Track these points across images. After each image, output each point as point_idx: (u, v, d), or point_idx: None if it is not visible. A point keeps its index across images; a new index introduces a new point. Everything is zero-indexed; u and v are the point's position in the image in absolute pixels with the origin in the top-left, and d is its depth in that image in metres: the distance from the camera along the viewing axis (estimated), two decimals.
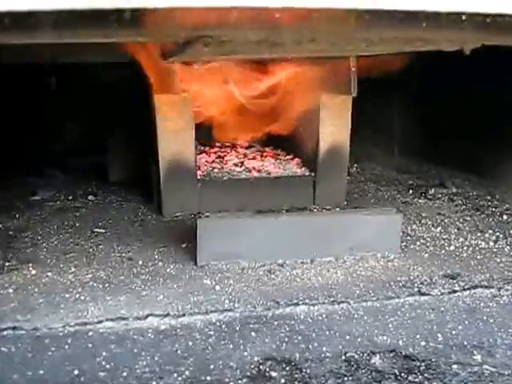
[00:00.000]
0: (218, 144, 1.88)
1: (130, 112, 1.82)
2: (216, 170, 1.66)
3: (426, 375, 0.85)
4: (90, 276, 1.21)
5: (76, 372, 0.86)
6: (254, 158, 1.76)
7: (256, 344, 0.93)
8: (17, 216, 1.60)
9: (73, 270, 1.24)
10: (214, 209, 1.52)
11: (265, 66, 1.61)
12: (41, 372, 0.87)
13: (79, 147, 2.16)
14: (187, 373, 0.85)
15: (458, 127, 1.95)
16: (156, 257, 1.31)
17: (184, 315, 1.03)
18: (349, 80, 1.54)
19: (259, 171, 1.67)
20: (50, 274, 1.22)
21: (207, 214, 1.49)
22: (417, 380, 0.84)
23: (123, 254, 1.32)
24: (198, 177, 1.60)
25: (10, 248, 1.37)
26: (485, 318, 1.04)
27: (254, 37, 1.00)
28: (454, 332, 0.98)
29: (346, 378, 0.84)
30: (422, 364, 0.88)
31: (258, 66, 1.62)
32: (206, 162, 1.71)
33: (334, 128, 1.62)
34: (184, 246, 1.36)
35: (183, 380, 0.84)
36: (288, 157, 1.76)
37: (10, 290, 1.15)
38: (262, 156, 1.77)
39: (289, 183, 1.64)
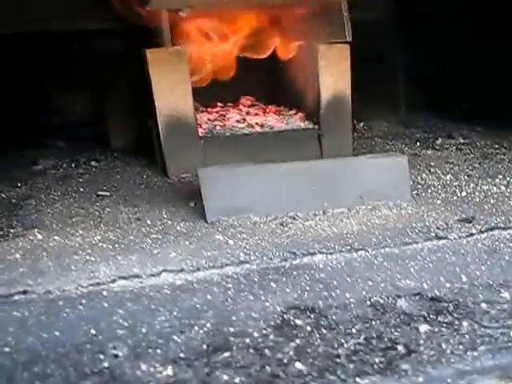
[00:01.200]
0: (219, 104, 1.83)
1: (127, 79, 1.77)
2: (218, 128, 1.61)
3: (455, 315, 0.81)
4: (98, 238, 1.16)
5: (93, 331, 0.82)
6: (256, 115, 1.70)
7: (277, 294, 0.89)
8: (19, 185, 1.55)
9: (80, 232, 1.20)
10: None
11: (254, 17, 1.55)
12: (56, 333, 0.83)
13: (79, 117, 2.11)
14: (208, 325, 0.81)
15: (462, 80, 1.90)
16: (164, 216, 1.26)
17: (199, 270, 0.99)
18: (342, 25, 1.48)
19: (262, 126, 1.61)
20: (57, 237, 1.18)
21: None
22: (447, 320, 0.79)
23: (131, 215, 1.27)
24: (200, 134, 1.55)
25: (13, 215, 1.32)
26: (506, 257, 1.00)
27: None
28: (477, 272, 0.94)
29: (373, 322, 0.80)
30: (450, 305, 0.84)
31: (247, 17, 1.56)
32: (208, 119, 1.65)
33: (334, 78, 1.57)
34: (192, 204, 1.32)
35: (205, 333, 0.79)
36: (291, 112, 1.71)
37: (18, 256, 1.10)
38: (264, 112, 1.72)
39: (294, 137, 1.59)
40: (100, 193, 1.43)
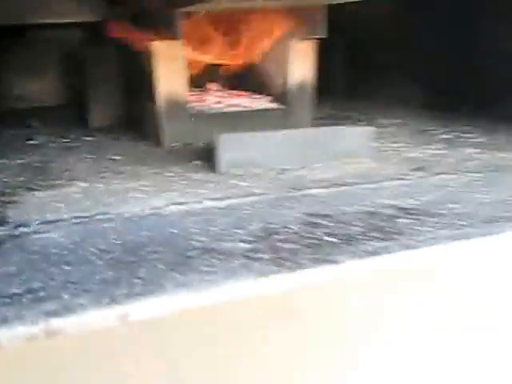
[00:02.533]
0: (193, 89, 2.29)
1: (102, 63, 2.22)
2: (201, 107, 2.08)
3: (421, 216, 1.32)
4: (134, 184, 1.59)
5: (174, 231, 1.27)
6: (230, 97, 2.19)
7: (295, 209, 1.37)
8: (29, 154, 1.95)
9: (116, 181, 1.62)
10: (204, 139, 1.94)
11: (242, 17, 2.04)
12: (146, 233, 1.26)
13: (48, 102, 2.52)
14: (256, 224, 1.27)
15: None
16: (180, 171, 1.71)
17: (231, 198, 1.45)
18: (316, 25, 2.00)
19: (238, 106, 2.10)
20: (99, 185, 1.60)
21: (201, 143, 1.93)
22: (416, 218, 1.31)
23: (150, 171, 1.72)
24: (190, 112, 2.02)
25: (46, 174, 1.73)
26: (450, 189, 1.52)
27: None
28: (431, 196, 1.46)
29: (371, 220, 1.30)
30: (417, 211, 1.35)
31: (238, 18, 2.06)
32: (191, 101, 2.12)
33: (301, 67, 2.08)
34: (197, 162, 1.78)
35: (256, 228, 1.26)
36: (259, 96, 2.21)
37: (78, 196, 1.52)
38: (236, 96, 2.21)
39: (266, 115, 2.09)
40: (113, 157, 1.86)
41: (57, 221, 1.34)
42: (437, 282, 1.15)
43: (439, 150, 1.89)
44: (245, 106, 2.08)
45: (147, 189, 1.55)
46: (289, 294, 1.06)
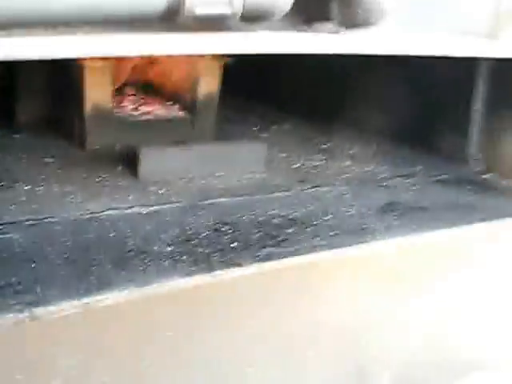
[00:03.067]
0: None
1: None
2: (124, 115, 2.44)
3: (303, 225, 1.75)
4: (70, 188, 1.92)
5: (112, 234, 1.65)
6: (144, 105, 2.55)
7: (205, 216, 1.76)
8: None
9: (55, 184, 1.95)
10: (125, 143, 2.30)
11: None
12: (90, 236, 1.63)
13: None
14: (177, 230, 1.67)
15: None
16: (105, 176, 2.04)
17: (158, 204, 1.82)
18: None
19: (154, 114, 2.47)
20: (41, 188, 1.93)
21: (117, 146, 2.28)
22: (299, 227, 1.74)
23: (81, 174, 2.03)
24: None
25: None
26: (324, 202, 1.96)
27: None
28: (307, 208, 1.89)
29: (265, 227, 1.72)
30: (298, 221, 1.78)
31: None
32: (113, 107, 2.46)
33: (211, 83, 2.47)
34: (120, 168, 2.14)
35: (178, 230, 1.65)
36: (168, 103, 2.58)
37: (23, 198, 1.85)
38: (152, 104, 2.57)
39: (178, 123, 2.46)
40: (45, 160, 2.18)
41: (14, 222, 1.67)
42: (311, 284, 1.59)
43: (322, 160, 2.31)
44: (160, 114, 2.45)
45: (81, 193, 1.87)
46: (203, 288, 1.48)
